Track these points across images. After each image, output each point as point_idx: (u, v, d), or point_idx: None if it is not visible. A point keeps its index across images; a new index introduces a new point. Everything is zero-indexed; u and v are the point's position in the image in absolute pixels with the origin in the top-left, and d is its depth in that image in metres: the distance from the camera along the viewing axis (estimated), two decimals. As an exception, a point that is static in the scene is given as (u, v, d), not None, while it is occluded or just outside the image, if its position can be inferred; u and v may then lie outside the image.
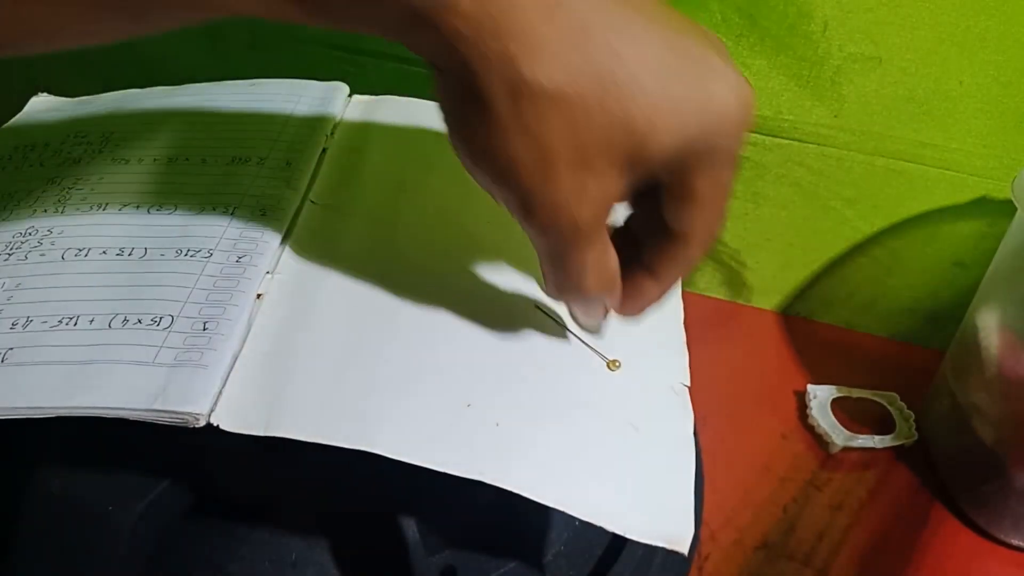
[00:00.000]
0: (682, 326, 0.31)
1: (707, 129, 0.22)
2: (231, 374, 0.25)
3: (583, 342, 0.29)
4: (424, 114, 0.37)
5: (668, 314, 0.31)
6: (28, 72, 0.63)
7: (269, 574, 0.27)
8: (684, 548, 0.24)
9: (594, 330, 0.29)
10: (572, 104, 0.20)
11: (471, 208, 0.33)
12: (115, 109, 0.37)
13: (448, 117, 0.22)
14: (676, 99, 0.21)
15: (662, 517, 0.24)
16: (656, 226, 0.25)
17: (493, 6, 0.20)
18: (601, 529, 0.32)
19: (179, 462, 0.27)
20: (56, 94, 0.40)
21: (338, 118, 0.37)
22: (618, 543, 0.31)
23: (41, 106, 0.38)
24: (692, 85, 0.22)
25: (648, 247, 0.26)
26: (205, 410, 0.24)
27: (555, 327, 0.29)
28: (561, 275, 0.24)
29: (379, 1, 0.20)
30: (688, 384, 0.29)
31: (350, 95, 0.38)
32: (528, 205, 0.22)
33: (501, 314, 0.29)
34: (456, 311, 0.29)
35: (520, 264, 0.31)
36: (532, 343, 0.28)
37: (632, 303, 0.27)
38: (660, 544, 0.24)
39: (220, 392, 0.24)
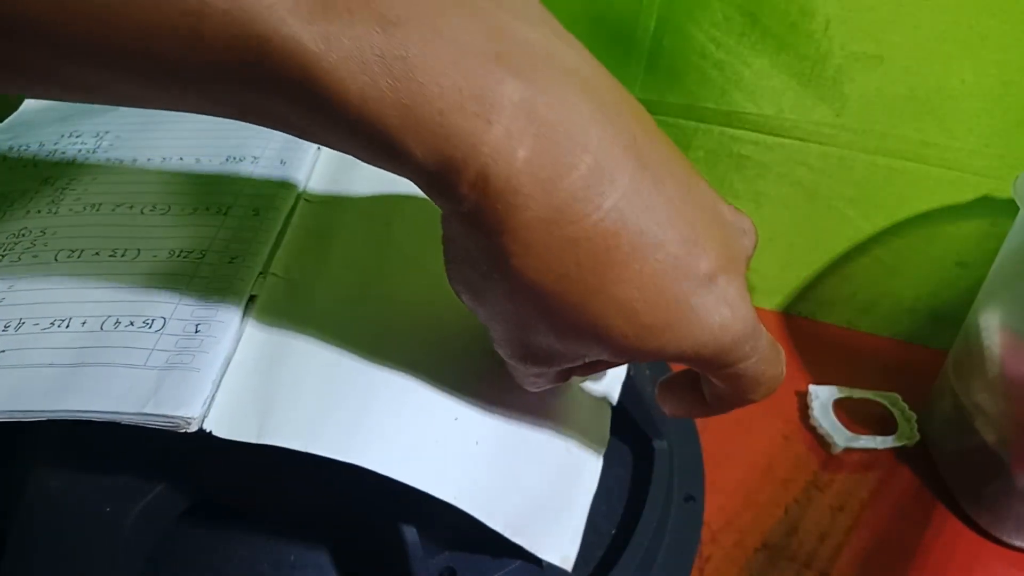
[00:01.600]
0: None
1: (696, 348, 0.22)
2: (223, 379, 0.25)
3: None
4: None
5: None
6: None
7: (268, 575, 0.27)
8: (569, 567, 0.27)
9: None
10: (549, 300, 0.21)
11: None
12: (108, 109, 0.37)
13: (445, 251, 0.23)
14: (651, 334, 0.21)
15: (556, 535, 0.27)
16: None
17: (503, 200, 0.19)
18: (602, 530, 0.32)
19: (177, 463, 0.26)
20: None
21: None
22: (618, 545, 0.31)
23: (36, 106, 0.38)
24: (680, 308, 0.21)
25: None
26: (197, 415, 0.23)
27: None
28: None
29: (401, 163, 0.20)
30: (613, 404, 0.32)
31: None
32: (509, 346, 0.24)
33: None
34: (449, 317, 0.29)
35: None
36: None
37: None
38: (551, 560, 0.27)
39: (212, 397, 0.24)
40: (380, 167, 0.20)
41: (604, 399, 0.32)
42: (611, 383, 0.33)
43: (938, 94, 0.43)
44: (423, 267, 0.30)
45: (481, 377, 0.28)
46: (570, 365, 0.24)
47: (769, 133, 0.47)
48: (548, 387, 0.27)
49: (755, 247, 0.25)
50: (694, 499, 0.37)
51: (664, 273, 0.21)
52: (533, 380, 0.26)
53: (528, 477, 0.28)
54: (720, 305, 0.21)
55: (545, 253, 0.20)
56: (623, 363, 0.23)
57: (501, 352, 0.24)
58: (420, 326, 0.28)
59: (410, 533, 0.26)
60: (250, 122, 0.20)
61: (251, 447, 0.23)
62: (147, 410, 0.23)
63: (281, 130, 0.20)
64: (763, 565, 0.39)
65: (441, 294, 0.30)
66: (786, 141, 0.47)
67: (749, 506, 0.42)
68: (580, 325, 0.21)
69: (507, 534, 0.26)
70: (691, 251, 0.21)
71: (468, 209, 0.20)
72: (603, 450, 0.30)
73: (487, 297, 0.22)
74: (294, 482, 0.27)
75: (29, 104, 0.38)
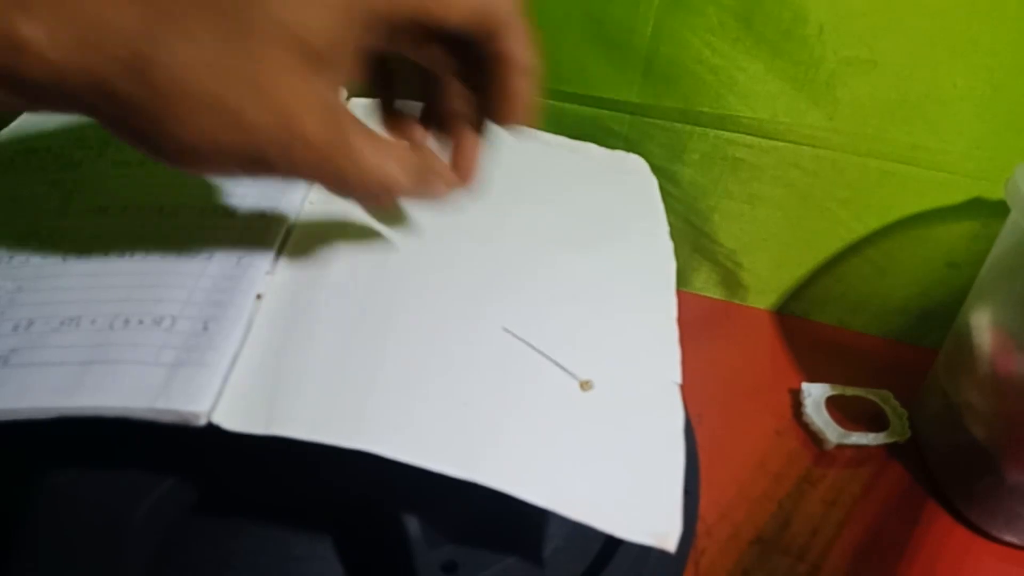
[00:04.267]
0: (675, 323, 0.31)
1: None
2: (231, 373, 0.25)
3: (557, 363, 0.29)
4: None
5: (660, 311, 0.32)
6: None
7: (272, 569, 0.27)
8: (671, 546, 0.24)
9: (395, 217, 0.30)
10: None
11: (472, 205, 0.33)
12: None
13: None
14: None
15: (649, 515, 0.24)
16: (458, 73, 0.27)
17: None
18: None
19: (183, 459, 0.27)
20: None
21: None
22: (613, 541, 0.31)
23: None
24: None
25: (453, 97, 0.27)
26: (206, 409, 0.24)
27: (548, 325, 0.29)
28: (349, 189, 0.25)
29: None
30: (679, 382, 0.29)
31: (348, 99, 0.39)
32: (263, 161, 0.23)
33: (498, 313, 0.29)
34: (455, 309, 0.29)
35: (519, 258, 0.32)
36: (528, 344, 0.29)
37: (466, 165, 0.29)
38: (647, 542, 0.24)
39: (220, 391, 0.24)
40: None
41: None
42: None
43: (929, 98, 0.43)
44: (426, 258, 0.31)
45: (490, 363, 0.28)
46: (328, 94, 0.23)
47: (763, 136, 0.47)
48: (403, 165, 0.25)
49: None
50: (689, 493, 0.37)
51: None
52: (377, 170, 0.25)
53: (574, 452, 0.26)
54: None
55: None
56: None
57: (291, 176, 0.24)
58: (425, 316, 0.29)
59: (413, 525, 0.26)
60: None
61: (256, 443, 0.24)
62: (157, 405, 0.23)
63: None
64: (757, 558, 0.39)
65: (446, 283, 0.30)
66: (780, 144, 0.47)
67: (743, 500, 0.42)
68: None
69: (567, 512, 0.24)
70: None
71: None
72: (679, 422, 0.28)
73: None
74: (298, 476, 0.27)
75: None
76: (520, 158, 0.36)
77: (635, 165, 0.41)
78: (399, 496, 0.26)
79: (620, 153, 0.41)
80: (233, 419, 0.24)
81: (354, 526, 0.28)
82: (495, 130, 0.28)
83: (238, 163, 0.22)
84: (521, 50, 0.26)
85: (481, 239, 0.32)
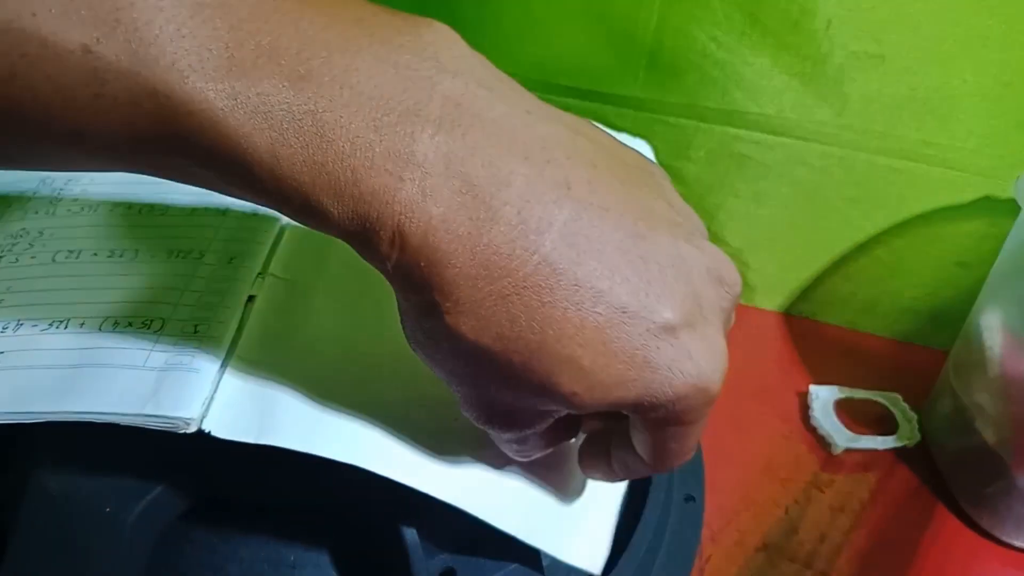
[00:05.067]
0: None
1: (653, 403, 0.21)
2: (222, 379, 0.25)
3: None
4: None
5: None
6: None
7: (268, 575, 0.27)
8: (596, 570, 0.26)
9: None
10: (492, 357, 0.20)
11: None
12: None
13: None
14: (604, 389, 0.20)
15: (581, 540, 0.27)
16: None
17: (423, 257, 0.19)
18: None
19: (178, 463, 0.26)
20: None
21: None
22: (618, 545, 0.31)
23: None
24: (634, 362, 0.20)
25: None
26: (196, 415, 0.23)
27: None
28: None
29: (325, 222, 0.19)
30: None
31: None
32: (470, 406, 0.23)
33: None
34: None
35: None
36: None
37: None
38: (575, 564, 0.26)
39: (211, 397, 0.24)
40: (304, 224, 0.20)
41: None
42: None
43: (939, 94, 0.43)
44: None
45: None
46: (539, 425, 0.23)
47: (770, 132, 0.47)
48: (539, 455, 0.25)
49: (738, 296, 0.24)
50: (694, 499, 0.37)
51: (610, 327, 0.19)
52: (517, 448, 0.25)
53: (523, 482, 0.27)
54: (683, 360, 0.20)
55: (477, 309, 0.19)
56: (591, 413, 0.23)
57: (468, 415, 0.23)
58: None
59: (410, 534, 0.26)
60: (173, 179, 0.20)
61: (251, 447, 0.23)
62: (146, 411, 0.23)
63: (203, 187, 0.20)
64: (763, 565, 0.39)
65: None
66: (787, 140, 0.47)
67: (749, 506, 0.41)
68: (529, 382, 0.20)
69: (521, 536, 0.25)
70: (643, 302, 0.20)
71: (393, 268, 0.19)
72: None
73: (437, 356, 0.21)
74: (294, 482, 0.27)
75: None
76: None
77: (640, 149, 0.41)
78: (397, 504, 0.26)
79: (624, 136, 0.41)
80: (224, 427, 0.24)
81: (351, 534, 0.27)
82: None
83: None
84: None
85: None
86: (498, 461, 0.26)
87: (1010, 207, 0.38)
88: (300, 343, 0.27)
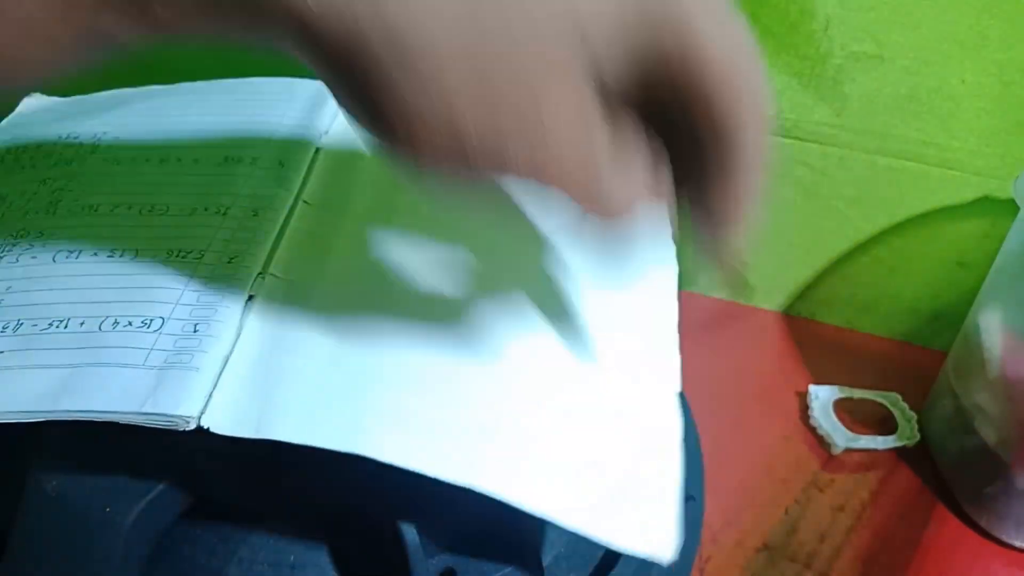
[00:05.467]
0: (676, 330, 0.31)
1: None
2: (221, 376, 0.25)
3: (569, 344, 0.28)
4: None
5: (660, 317, 0.31)
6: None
7: None
8: (666, 559, 0.23)
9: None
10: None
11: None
12: (106, 109, 0.37)
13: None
14: None
15: (645, 526, 0.24)
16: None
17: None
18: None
19: (176, 464, 0.26)
20: (55, 93, 0.40)
21: (332, 116, 0.37)
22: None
23: (34, 106, 0.38)
24: None
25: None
26: (195, 412, 0.23)
27: (544, 330, 0.29)
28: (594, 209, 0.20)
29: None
30: (679, 390, 0.29)
31: None
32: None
33: (492, 316, 0.29)
34: (449, 314, 0.29)
35: (513, 266, 0.31)
36: (521, 347, 0.28)
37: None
38: (642, 554, 0.23)
39: (211, 394, 0.24)
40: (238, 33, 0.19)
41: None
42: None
43: (938, 94, 0.43)
44: (418, 257, 0.30)
45: (484, 368, 0.27)
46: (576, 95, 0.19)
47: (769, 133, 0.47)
48: (645, 177, 0.21)
49: None
50: (694, 499, 0.37)
51: None
52: (612, 182, 0.20)
53: (575, 455, 0.25)
54: None
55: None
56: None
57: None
58: (418, 318, 0.28)
59: (410, 533, 0.26)
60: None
61: (250, 446, 0.23)
62: (145, 409, 0.23)
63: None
64: (763, 565, 0.39)
65: (439, 284, 0.30)
66: (786, 141, 0.47)
67: (749, 506, 0.42)
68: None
69: (563, 522, 0.23)
70: None
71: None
72: (677, 433, 0.27)
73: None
74: (293, 482, 0.27)
75: (27, 105, 0.38)
76: None
77: None
78: (396, 503, 0.26)
79: None
80: (223, 423, 0.23)
81: (350, 534, 0.27)
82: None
83: (461, 150, 0.18)
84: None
85: (480, 240, 0.32)
86: (508, 443, 0.25)
87: (1010, 207, 0.38)
88: (300, 341, 0.27)
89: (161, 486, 0.26)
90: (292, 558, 0.27)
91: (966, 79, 0.42)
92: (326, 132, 0.36)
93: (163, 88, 0.38)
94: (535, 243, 0.30)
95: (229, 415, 0.24)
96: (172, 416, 0.23)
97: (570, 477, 0.25)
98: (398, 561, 0.26)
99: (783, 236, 0.51)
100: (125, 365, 0.24)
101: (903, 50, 0.42)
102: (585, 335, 0.29)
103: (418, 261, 0.31)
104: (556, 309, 0.29)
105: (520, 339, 0.28)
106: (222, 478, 0.27)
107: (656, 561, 0.23)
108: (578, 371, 0.28)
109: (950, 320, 0.47)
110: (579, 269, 0.30)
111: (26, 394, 0.24)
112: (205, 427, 0.23)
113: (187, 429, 0.23)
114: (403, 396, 0.26)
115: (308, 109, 0.37)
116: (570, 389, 0.27)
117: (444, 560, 0.27)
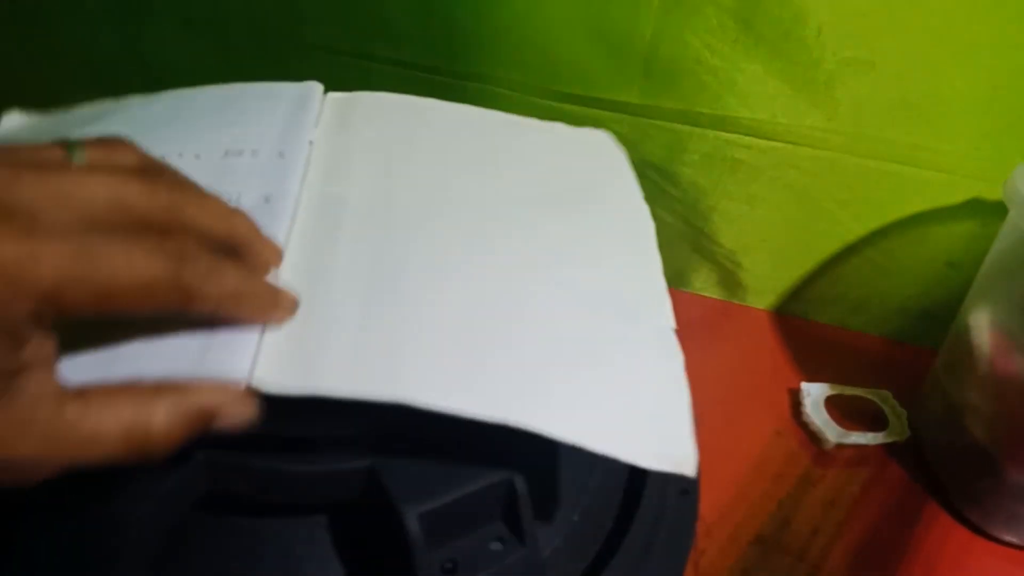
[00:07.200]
0: (661, 274, 0.32)
1: None
2: (263, 339, 0.26)
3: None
4: (397, 101, 0.39)
5: (646, 263, 0.33)
6: (35, 79, 0.64)
7: (272, 569, 0.27)
8: (690, 470, 0.25)
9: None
10: None
11: (458, 175, 0.35)
12: (90, 122, 0.36)
13: None
14: None
15: (665, 443, 0.26)
16: None
17: None
18: (599, 524, 0.32)
19: (183, 459, 0.27)
20: (60, 102, 0.39)
21: (318, 112, 0.38)
22: (614, 538, 0.32)
23: (14, 124, 0.37)
24: None
25: None
26: (245, 373, 0.24)
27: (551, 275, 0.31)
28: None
29: None
30: (674, 327, 0.31)
31: (325, 92, 0.39)
32: None
33: (502, 264, 0.30)
34: (458, 263, 0.30)
35: (505, 218, 0.33)
36: (531, 288, 0.30)
37: None
38: (667, 468, 0.25)
39: (256, 355, 0.25)
40: None
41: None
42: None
43: (929, 99, 0.43)
44: (427, 227, 0.32)
45: (500, 308, 0.29)
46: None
47: (762, 137, 0.47)
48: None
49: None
50: (689, 493, 0.37)
51: None
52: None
53: (598, 388, 0.27)
54: None
55: None
56: None
57: None
58: (436, 268, 0.30)
59: (413, 525, 0.26)
60: None
61: (256, 439, 0.24)
62: (199, 371, 0.24)
63: None
64: (757, 558, 0.39)
65: (449, 238, 0.31)
66: (779, 145, 0.47)
67: (742, 501, 0.42)
68: None
69: (592, 446, 0.25)
70: None
71: None
72: (679, 363, 0.29)
73: None
74: (294, 481, 0.28)
75: (7, 123, 0.37)
76: (489, 134, 0.38)
77: (601, 137, 0.42)
78: (399, 495, 0.26)
79: (586, 129, 0.42)
80: (271, 381, 0.24)
81: (354, 526, 0.28)
82: None
83: None
84: None
85: (473, 199, 0.33)
86: (536, 377, 0.27)
87: (999, 209, 0.39)
88: (331, 296, 0.28)
89: (170, 483, 0.26)
90: (297, 551, 0.27)
91: (956, 84, 0.43)
92: (316, 124, 0.37)
93: (144, 98, 0.38)
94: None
95: (276, 373, 0.24)
96: (224, 377, 0.24)
97: (596, 407, 0.26)
98: (401, 553, 0.26)
99: (776, 237, 0.52)
100: (169, 336, 0.25)
101: (894, 56, 0.43)
102: (578, 281, 0.31)
103: (422, 219, 0.32)
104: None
105: (530, 281, 0.30)
106: (228, 472, 0.28)
107: (682, 474, 0.25)
108: (590, 316, 0.30)
109: (940, 319, 0.47)
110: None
111: (74, 362, 0.24)
112: (255, 387, 0.24)
113: (238, 390, 0.24)
114: (436, 341, 0.27)
115: (295, 106, 0.37)
116: (586, 330, 0.29)
117: (446, 551, 0.28)
